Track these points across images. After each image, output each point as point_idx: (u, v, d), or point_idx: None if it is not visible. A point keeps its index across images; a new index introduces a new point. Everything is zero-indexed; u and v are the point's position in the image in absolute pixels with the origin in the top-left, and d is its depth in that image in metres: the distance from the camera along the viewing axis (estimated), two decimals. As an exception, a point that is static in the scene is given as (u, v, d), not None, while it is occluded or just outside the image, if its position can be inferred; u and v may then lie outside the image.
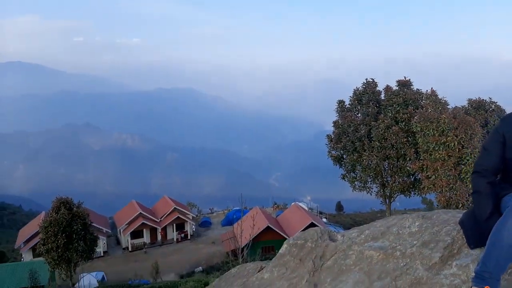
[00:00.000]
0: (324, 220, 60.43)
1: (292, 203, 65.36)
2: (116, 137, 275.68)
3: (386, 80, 18.46)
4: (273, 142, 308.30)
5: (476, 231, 3.16)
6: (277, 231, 48.58)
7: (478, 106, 21.43)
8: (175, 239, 53.59)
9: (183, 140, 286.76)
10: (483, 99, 21.95)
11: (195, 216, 60.62)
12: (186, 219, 54.69)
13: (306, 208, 63.51)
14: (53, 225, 22.83)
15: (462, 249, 3.57)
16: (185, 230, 54.68)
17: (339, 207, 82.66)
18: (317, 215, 64.03)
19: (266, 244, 47.04)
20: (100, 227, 49.78)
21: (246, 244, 13.59)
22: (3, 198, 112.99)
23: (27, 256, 44.12)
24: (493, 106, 21.77)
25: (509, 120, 2.98)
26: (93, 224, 37.63)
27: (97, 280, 36.70)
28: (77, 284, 26.70)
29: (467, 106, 21.21)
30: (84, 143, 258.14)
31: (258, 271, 4.69)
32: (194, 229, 55.97)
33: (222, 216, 64.33)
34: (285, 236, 48.77)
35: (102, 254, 48.11)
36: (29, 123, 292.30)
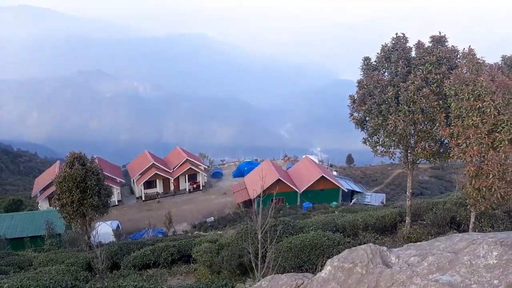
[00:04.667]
0: (335, 173, 60.40)
1: (303, 156, 65.17)
2: (127, 84, 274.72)
3: (409, 32, 16.94)
4: (286, 91, 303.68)
5: None
6: (288, 183, 48.77)
7: (513, 63, 19.81)
8: (187, 190, 54.34)
9: (195, 88, 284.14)
10: None
11: (206, 167, 60.98)
12: (198, 170, 55.07)
13: (317, 161, 63.36)
14: (67, 180, 22.72)
15: None
16: (197, 181, 55.25)
17: (350, 159, 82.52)
18: (327, 168, 63.99)
19: (277, 196, 47.50)
20: (114, 177, 50.66)
21: (257, 196, 13.23)
22: (19, 145, 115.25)
23: (43, 205, 45.30)
24: None
25: None
26: (107, 174, 38.02)
27: (112, 229, 37.57)
28: (93, 231, 27.27)
29: (500, 63, 19.64)
30: (96, 90, 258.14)
31: (293, 291, 4.02)
32: (206, 180, 56.50)
33: (234, 167, 64.68)
34: (295, 189, 49.05)
35: (116, 203, 49.15)
36: (41, 70, 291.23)
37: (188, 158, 54.97)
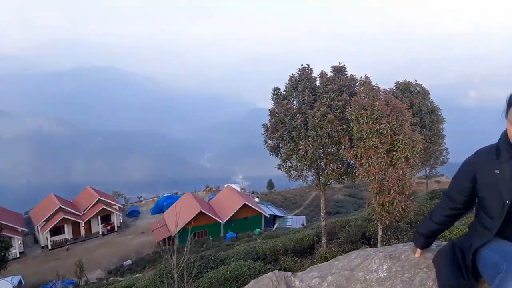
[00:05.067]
0: (257, 199, 61.07)
1: (225, 185, 65.04)
2: (29, 123, 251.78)
3: (312, 59, 18.30)
4: (203, 121, 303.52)
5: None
6: (210, 215, 47.98)
7: (405, 88, 22.42)
8: (100, 232, 50.53)
9: (106, 123, 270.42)
10: (409, 81, 23.16)
11: (122, 206, 57.53)
12: (112, 210, 51.73)
13: (239, 189, 63.61)
14: (-46, 234, 19.71)
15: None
16: (111, 222, 51.74)
17: (270, 185, 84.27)
18: (249, 195, 64.48)
19: (199, 229, 46.37)
20: (14, 226, 45.42)
21: (179, 231, 12.49)
22: None
23: None
24: (418, 88, 23.09)
25: (483, 156, 2.89)
26: (5, 224, 33.83)
27: (13, 286, 33.22)
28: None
29: (394, 88, 21.94)
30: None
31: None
32: (121, 220, 53.21)
33: (152, 204, 61.95)
34: (218, 220, 48.36)
35: (18, 256, 43.84)
36: None
37: (101, 198, 51.45)
